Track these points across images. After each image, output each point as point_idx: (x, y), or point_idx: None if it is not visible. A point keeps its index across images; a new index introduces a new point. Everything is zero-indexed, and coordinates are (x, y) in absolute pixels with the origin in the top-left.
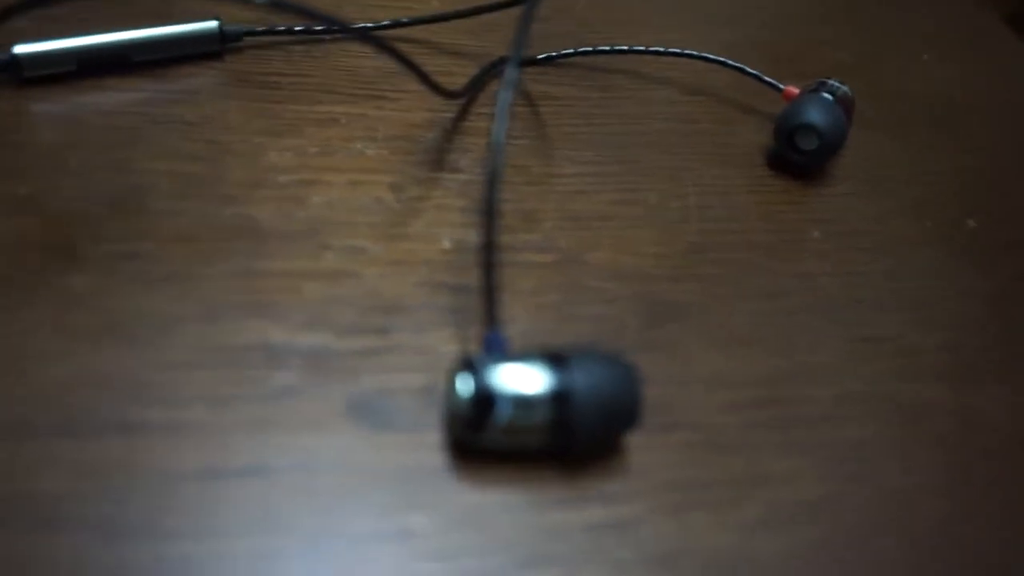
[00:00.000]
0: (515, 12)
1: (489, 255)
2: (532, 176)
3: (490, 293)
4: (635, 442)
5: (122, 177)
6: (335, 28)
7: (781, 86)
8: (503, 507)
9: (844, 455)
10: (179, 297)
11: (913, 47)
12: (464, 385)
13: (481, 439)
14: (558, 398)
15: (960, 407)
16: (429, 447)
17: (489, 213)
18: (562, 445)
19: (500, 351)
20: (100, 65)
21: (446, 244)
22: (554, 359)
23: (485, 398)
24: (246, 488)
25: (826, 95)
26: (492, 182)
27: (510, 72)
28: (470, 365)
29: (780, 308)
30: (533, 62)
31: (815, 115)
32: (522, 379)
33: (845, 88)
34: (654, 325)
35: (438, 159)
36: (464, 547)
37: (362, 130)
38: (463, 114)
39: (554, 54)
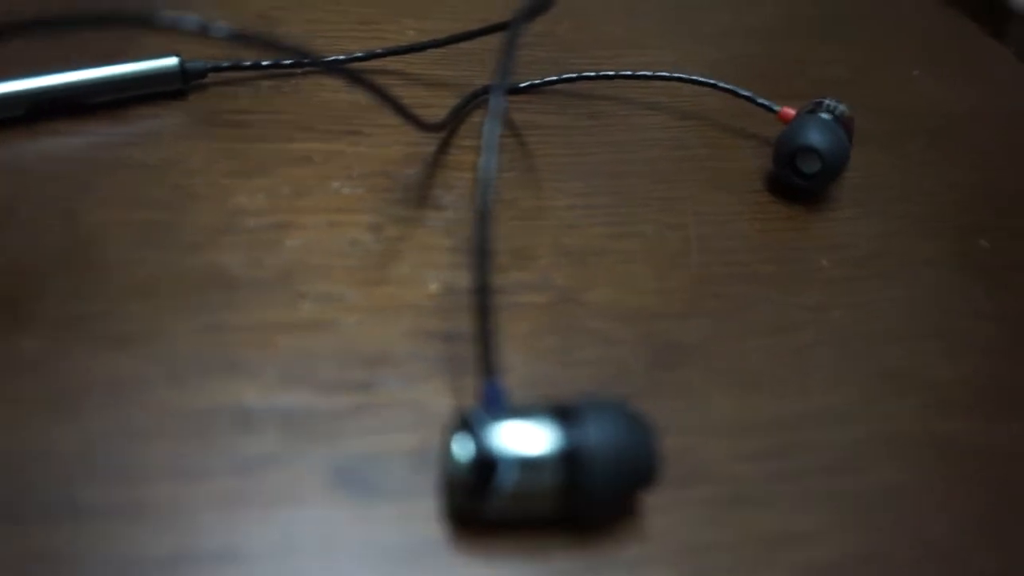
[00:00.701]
0: (492, 40)
1: (483, 297)
2: (522, 211)
3: (486, 339)
4: (651, 501)
5: (73, 229)
6: (305, 62)
7: (776, 108)
8: None
9: (878, 505)
10: (138, 358)
11: (902, 62)
12: (461, 448)
13: (483, 508)
14: (568, 458)
15: (1000, 443)
16: (424, 518)
17: (482, 251)
18: (574, 510)
19: (500, 405)
20: (51, 109)
21: (433, 287)
22: (561, 412)
23: (486, 462)
24: (217, 573)
25: (824, 115)
26: (483, 218)
27: (495, 100)
28: (467, 424)
29: (792, 344)
30: (516, 90)
31: (816, 137)
32: (527, 438)
33: (843, 107)
34: (661, 367)
35: (419, 196)
36: None
37: (337, 168)
38: (444, 147)
39: (537, 81)
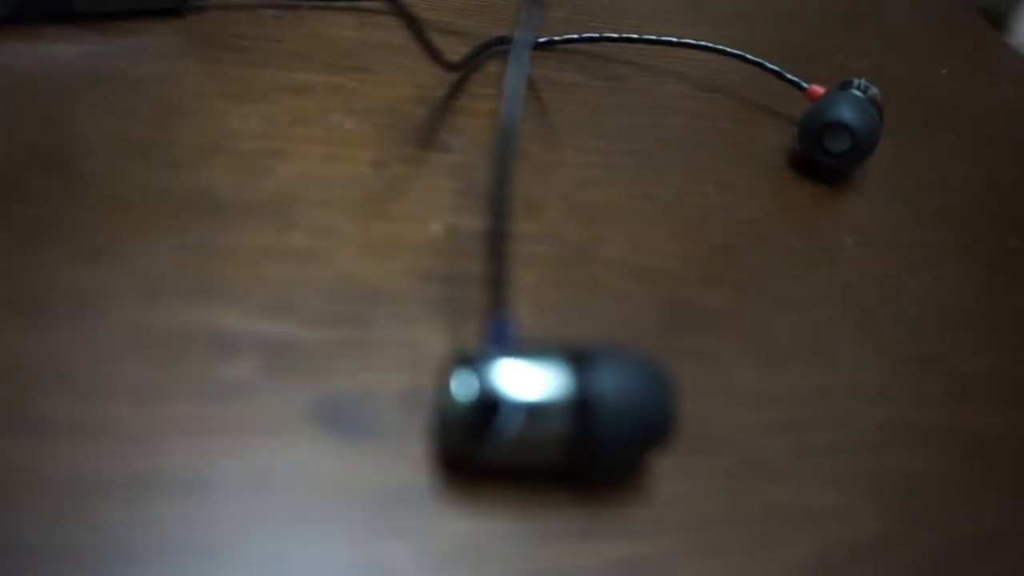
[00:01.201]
0: None
1: (499, 219)
2: (536, 163)
3: (496, 268)
4: (664, 465)
5: (53, 134)
6: None
7: (805, 84)
8: (501, 538)
9: (904, 490)
10: (110, 271)
11: (930, 60)
12: (461, 385)
13: (480, 453)
14: (580, 406)
15: (1020, 438)
16: (412, 462)
17: (503, 172)
18: (580, 464)
19: (507, 343)
20: (39, 12)
21: (435, 228)
22: (574, 357)
23: (490, 402)
24: (179, 505)
25: (857, 93)
26: (507, 139)
27: (522, 36)
28: (469, 360)
29: (818, 319)
30: (534, 47)
31: (847, 113)
32: (535, 380)
33: (875, 89)
34: (678, 331)
35: (426, 137)
36: None
37: (341, 102)
38: (455, 92)
39: (557, 39)
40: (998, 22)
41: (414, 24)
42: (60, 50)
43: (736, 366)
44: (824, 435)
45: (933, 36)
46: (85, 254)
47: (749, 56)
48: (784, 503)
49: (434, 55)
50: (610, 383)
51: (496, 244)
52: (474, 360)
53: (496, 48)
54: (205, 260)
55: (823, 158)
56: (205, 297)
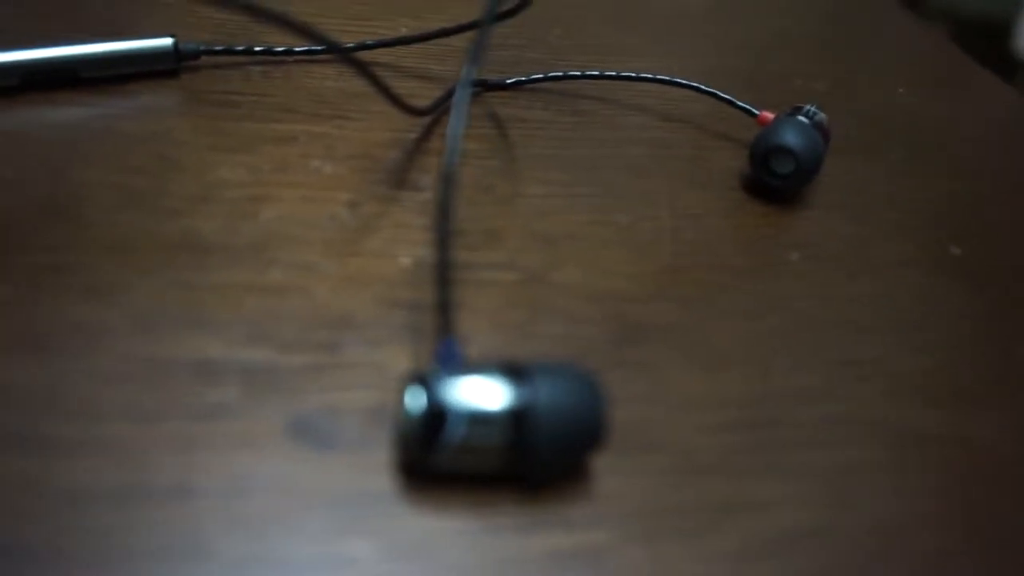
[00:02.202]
0: None
1: (443, 254)
2: (497, 196)
3: (444, 299)
4: (602, 465)
5: (57, 187)
6: (297, 49)
7: (756, 111)
8: (456, 533)
9: (831, 481)
10: (108, 308)
11: (889, 80)
12: (414, 399)
13: (432, 460)
14: (517, 415)
15: (953, 432)
16: (376, 470)
17: (444, 213)
18: (522, 468)
19: (455, 363)
20: (45, 80)
21: (404, 261)
22: (513, 372)
23: (437, 414)
24: (166, 510)
25: (802, 119)
26: (448, 174)
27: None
28: (422, 378)
29: (758, 330)
30: (503, 87)
31: (791, 138)
32: (478, 393)
33: (822, 115)
34: (626, 345)
35: (399, 178)
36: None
37: (321, 148)
38: (427, 135)
39: (523, 79)
40: (1002, 29)
41: (372, 77)
42: (66, 112)
43: (678, 374)
44: (758, 434)
45: (895, 58)
46: (85, 293)
47: (702, 86)
48: (715, 496)
49: (400, 104)
50: (544, 394)
51: (442, 274)
52: (425, 378)
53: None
54: (192, 296)
55: (771, 180)
56: (192, 329)
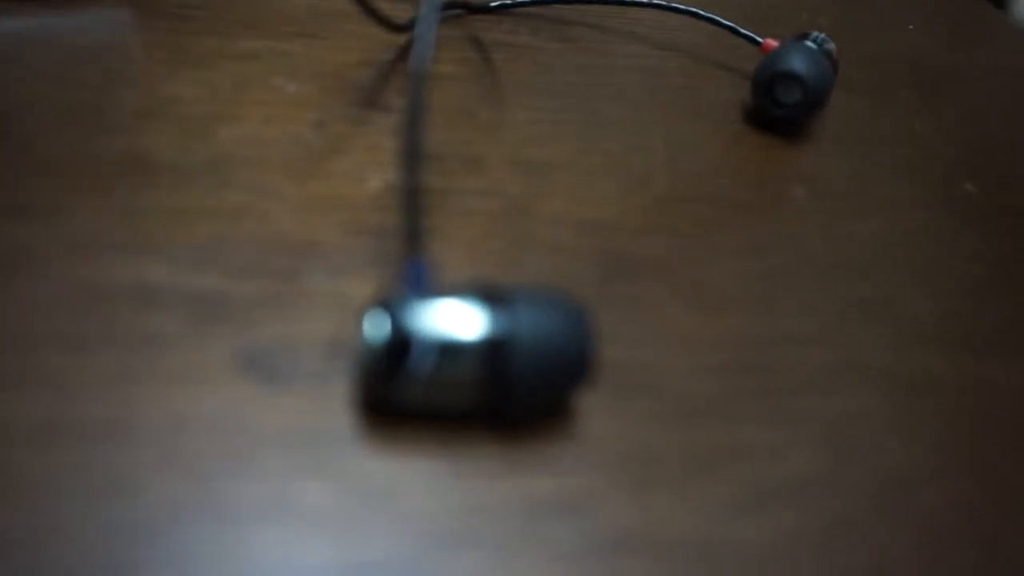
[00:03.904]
0: None
1: (412, 168)
2: (479, 121)
3: (412, 215)
4: (588, 406)
5: None
6: None
7: (759, 39)
8: (420, 477)
9: (836, 429)
10: (40, 231)
11: (897, 17)
12: (376, 326)
13: (395, 395)
14: (495, 345)
15: (966, 378)
16: (333, 408)
17: (413, 121)
18: (497, 404)
19: (423, 286)
20: None
21: (373, 185)
22: (491, 297)
23: (402, 342)
24: (97, 447)
25: (810, 44)
26: (419, 71)
27: None
28: (385, 302)
29: (759, 268)
30: (487, 10)
31: (799, 63)
32: (450, 319)
33: (831, 44)
34: (615, 280)
35: (370, 99)
36: (369, 524)
37: (286, 67)
38: (402, 55)
39: (508, 2)
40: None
41: None
42: (5, 23)
43: (671, 312)
44: (758, 378)
45: None
46: (14, 212)
47: (702, 12)
48: (709, 442)
49: (378, 17)
50: (525, 322)
51: (410, 183)
52: (389, 302)
53: (447, 12)
54: (135, 219)
55: (775, 109)
56: (133, 253)
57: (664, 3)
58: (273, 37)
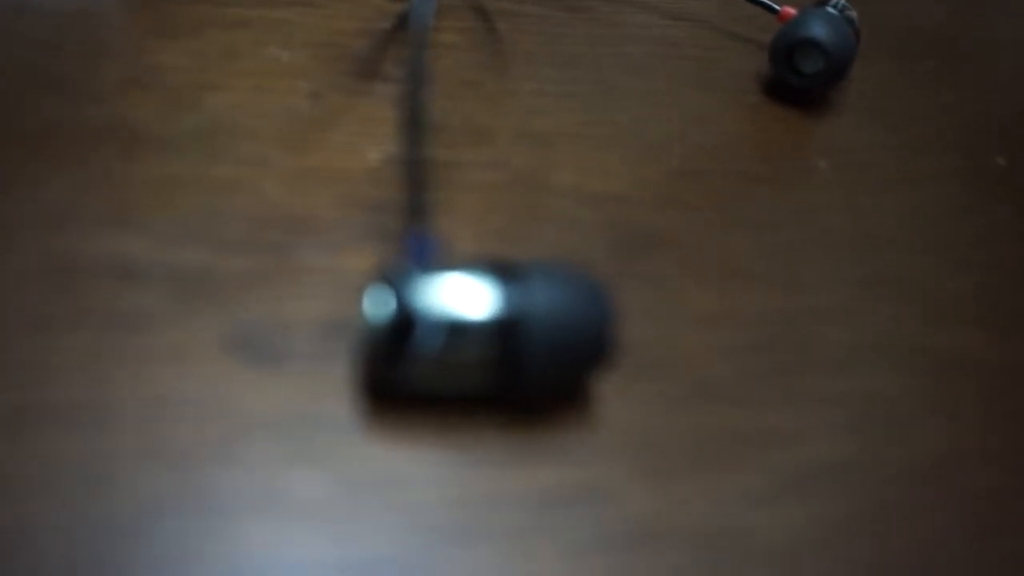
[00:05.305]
0: None
1: (415, 138)
2: (483, 91)
3: (415, 186)
4: (606, 389)
5: None
6: None
7: (777, 7)
8: (425, 466)
9: (868, 411)
10: (14, 203)
11: None
12: (378, 303)
13: (399, 377)
14: (506, 323)
15: (997, 359)
16: (329, 391)
17: (415, 87)
18: (508, 387)
19: (429, 260)
20: None
21: (372, 158)
22: (503, 271)
23: (405, 320)
24: (72, 432)
25: (831, 10)
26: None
27: None
28: (387, 277)
29: (781, 242)
30: None
31: (820, 30)
32: (458, 295)
33: (853, 11)
34: (630, 255)
35: (368, 68)
36: (369, 517)
37: (278, 35)
38: (401, 24)
39: None
40: None
41: None
42: None
43: (688, 289)
44: (781, 357)
45: None
46: None
47: None
48: (737, 425)
49: None
50: (540, 298)
51: (414, 151)
52: (392, 277)
53: None
54: (116, 191)
55: (795, 79)
56: (113, 227)
57: None
58: (265, 5)
